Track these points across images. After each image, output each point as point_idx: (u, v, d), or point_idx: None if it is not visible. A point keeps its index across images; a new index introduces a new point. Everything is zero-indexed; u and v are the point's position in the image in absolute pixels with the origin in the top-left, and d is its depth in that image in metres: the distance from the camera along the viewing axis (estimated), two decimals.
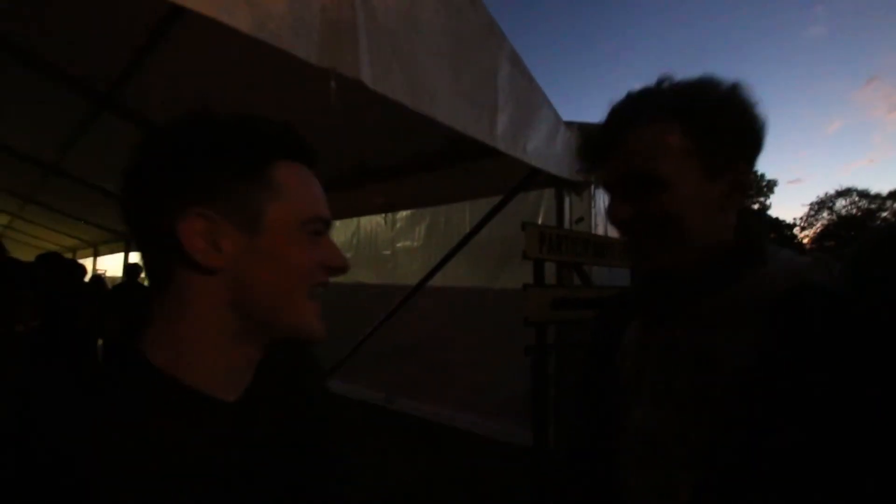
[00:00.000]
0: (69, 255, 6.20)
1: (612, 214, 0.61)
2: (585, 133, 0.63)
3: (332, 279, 0.51)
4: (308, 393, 0.60)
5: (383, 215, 4.22)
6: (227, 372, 0.48)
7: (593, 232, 3.00)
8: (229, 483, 0.45)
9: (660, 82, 0.59)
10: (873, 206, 33.02)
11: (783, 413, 0.48)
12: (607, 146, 0.59)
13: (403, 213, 4.11)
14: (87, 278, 4.06)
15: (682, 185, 0.55)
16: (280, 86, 1.79)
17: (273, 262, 0.46)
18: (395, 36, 1.09)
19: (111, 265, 7.42)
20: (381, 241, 4.34)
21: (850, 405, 0.46)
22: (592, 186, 3.06)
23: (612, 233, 3.38)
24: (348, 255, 4.57)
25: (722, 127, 0.55)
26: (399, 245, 4.17)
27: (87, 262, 5.79)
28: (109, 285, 5.23)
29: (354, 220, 4.53)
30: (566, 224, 2.14)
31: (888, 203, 32.67)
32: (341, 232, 4.71)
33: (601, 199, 3.34)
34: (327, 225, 0.51)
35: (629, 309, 0.72)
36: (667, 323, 0.62)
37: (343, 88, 0.97)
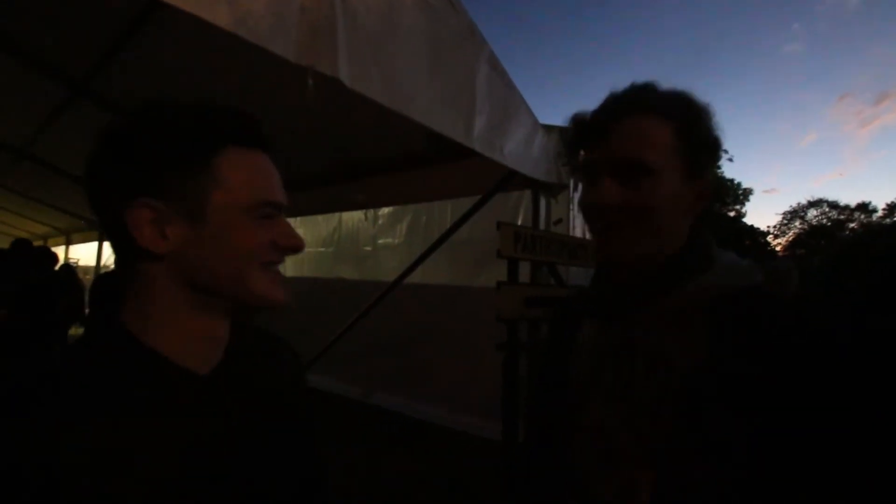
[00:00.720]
0: (40, 243, 6.01)
1: (596, 197, 0.60)
2: (577, 118, 0.65)
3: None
4: (283, 382, 0.63)
5: (365, 212, 4.22)
6: (195, 343, 0.52)
7: (571, 234, 3.07)
8: (197, 449, 0.48)
9: (656, 83, 0.63)
10: (842, 216, 34.32)
11: (731, 408, 0.51)
12: (607, 126, 0.61)
13: (385, 211, 4.11)
14: (56, 266, 3.96)
15: (667, 180, 0.58)
16: (259, 82, 1.80)
17: (218, 247, 0.49)
18: (374, 37, 1.12)
19: (84, 254, 7.23)
20: (363, 237, 4.34)
21: (786, 396, 0.49)
22: (571, 189, 3.14)
23: (589, 235, 3.44)
24: (329, 250, 4.59)
25: (704, 136, 0.60)
26: (380, 242, 4.18)
27: (60, 251, 5.63)
28: (81, 275, 5.09)
29: (336, 215, 4.51)
30: (542, 225, 2.20)
31: (856, 215, 33.99)
32: (322, 227, 4.69)
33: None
34: (279, 208, 0.53)
35: (584, 307, 0.74)
36: (622, 323, 0.64)
37: (323, 88, 1.00)
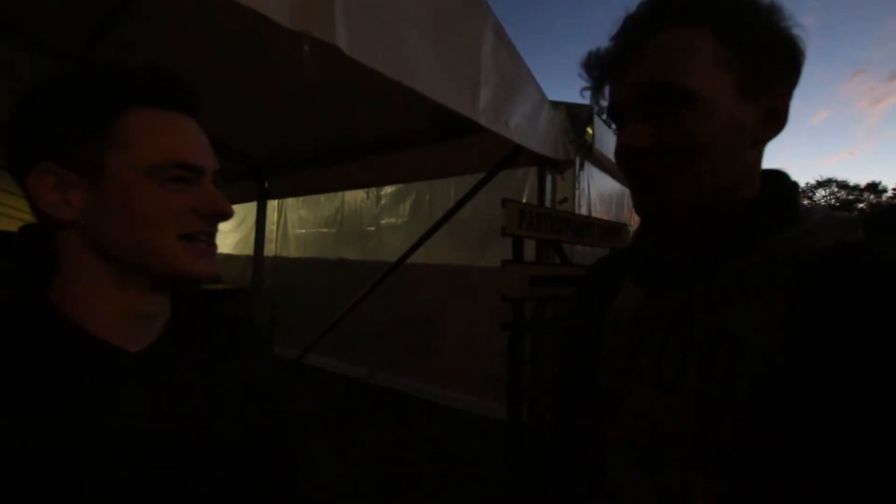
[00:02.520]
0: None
1: (623, 140, 0.48)
2: (591, 53, 0.52)
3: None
4: (243, 363, 0.60)
5: (367, 191, 4.18)
6: (123, 319, 0.49)
7: (577, 212, 3.02)
8: (123, 427, 0.46)
9: None
10: (851, 197, 33.87)
11: (829, 403, 0.39)
12: (624, 53, 0.49)
13: (388, 190, 4.07)
14: None
15: (713, 102, 0.45)
16: (258, 58, 1.74)
17: (121, 212, 0.47)
18: (374, 3, 1.06)
19: None
20: (366, 217, 4.31)
21: None
22: (576, 167, 3.08)
23: (595, 213, 3.42)
24: (332, 230, 4.56)
25: (762, 37, 0.46)
26: (383, 222, 4.15)
27: None
28: None
29: (339, 195, 4.48)
30: (548, 203, 2.15)
31: (865, 195, 33.52)
32: (325, 207, 4.66)
33: (586, 180, 3.36)
34: (196, 171, 0.49)
35: (625, 270, 0.60)
36: (674, 293, 0.52)
37: (323, 62, 0.95)
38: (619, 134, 0.50)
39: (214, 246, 0.53)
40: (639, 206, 0.51)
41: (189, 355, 0.54)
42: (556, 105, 2.11)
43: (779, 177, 0.52)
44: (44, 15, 1.93)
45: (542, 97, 1.87)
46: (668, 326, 0.51)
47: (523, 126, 1.73)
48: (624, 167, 0.51)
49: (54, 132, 0.47)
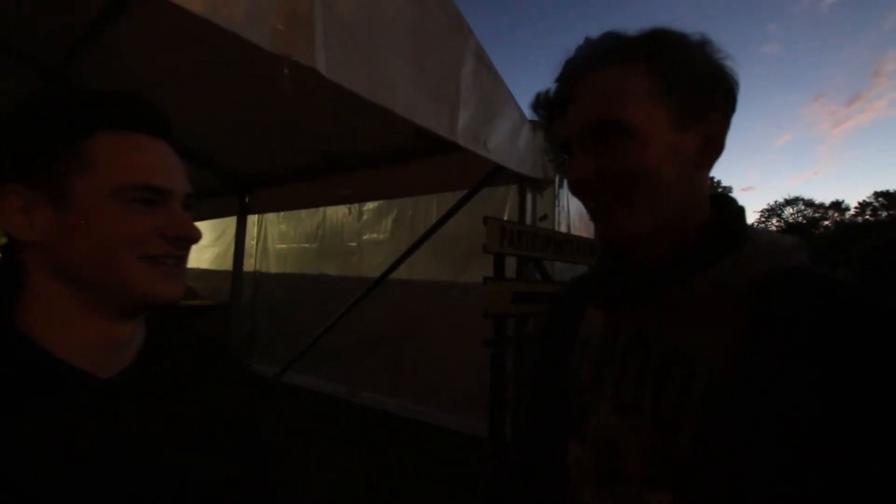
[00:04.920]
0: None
1: (571, 175, 0.52)
2: (538, 95, 0.56)
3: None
4: (212, 393, 0.59)
5: (349, 207, 4.18)
6: (91, 345, 0.48)
7: (557, 229, 3.08)
8: (91, 457, 0.45)
9: (621, 30, 0.52)
10: (817, 214, 35.42)
11: (774, 420, 0.41)
12: (564, 94, 0.52)
13: (370, 206, 4.07)
14: None
15: (649, 133, 0.48)
16: (239, 73, 1.75)
17: (84, 234, 0.46)
18: (354, 26, 1.09)
19: None
20: (347, 232, 4.29)
21: (858, 405, 0.38)
22: (556, 185, 3.14)
23: (575, 230, 3.49)
24: (313, 245, 4.52)
25: (692, 69, 0.49)
26: (365, 237, 4.13)
27: None
28: None
29: (320, 211, 4.45)
30: (528, 220, 2.20)
31: (830, 213, 35.06)
32: (306, 223, 4.62)
33: (566, 198, 3.43)
34: (162, 193, 0.49)
35: (588, 295, 0.63)
36: (632, 315, 0.54)
37: (304, 80, 0.97)
38: (568, 167, 0.53)
39: (182, 267, 0.52)
40: (596, 232, 0.54)
41: (160, 381, 0.53)
42: (536, 125, 2.17)
43: (726, 201, 0.55)
44: (25, 25, 1.90)
45: (522, 117, 1.93)
46: (626, 348, 0.53)
47: (503, 146, 1.77)
48: (579, 198, 0.54)
49: (21, 154, 0.47)
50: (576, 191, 0.53)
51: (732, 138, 0.54)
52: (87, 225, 0.46)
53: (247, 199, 3.29)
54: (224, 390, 0.61)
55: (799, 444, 0.39)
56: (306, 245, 4.63)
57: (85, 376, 0.47)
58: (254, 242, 4.96)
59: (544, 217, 2.98)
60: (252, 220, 4.29)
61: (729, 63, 0.50)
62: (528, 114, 2.00)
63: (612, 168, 0.49)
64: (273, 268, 4.90)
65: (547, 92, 0.55)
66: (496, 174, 2.07)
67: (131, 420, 0.49)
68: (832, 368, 0.40)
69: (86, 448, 0.45)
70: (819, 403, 0.39)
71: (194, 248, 0.54)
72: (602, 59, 0.50)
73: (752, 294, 0.46)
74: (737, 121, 0.53)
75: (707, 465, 0.43)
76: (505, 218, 2.98)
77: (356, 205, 4.10)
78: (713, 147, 0.51)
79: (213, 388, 0.59)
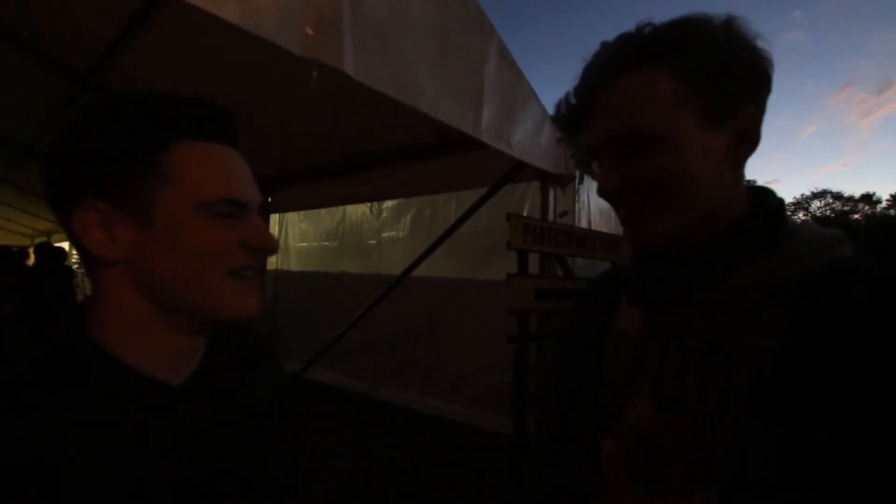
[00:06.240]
0: (43, 239, 6.05)
1: (600, 185, 0.52)
2: (560, 104, 0.54)
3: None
4: (262, 391, 0.60)
5: (369, 205, 4.21)
6: (167, 356, 0.48)
7: (577, 225, 3.05)
8: (169, 461, 0.46)
9: (640, 28, 0.50)
10: (846, 208, 34.16)
11: (820, 415, 0.40)
12: (586, 106, 0.51)
13: (390, 204, 4.10)
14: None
15: (678, 140, 0.47)
16: (264, 75, 1.78)
17: (171, 250, 0.45)
18: (380, 27, 1.10)
19: None
20: (367, 230, 4.33)
21: None
22: (577, 181, 3.11)
23: (595, 226, 3.45)
24: (333, 244, 4.58)
25: (718, 66, 0.47)
26: (385, 235, 4.17)
27: (66, 246, 5.65)
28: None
29: (340, 209, 4.51)
30: (550, 217, 2.19)
31: (860, 206, 33.79)
32: (326, 221, 4.68)
33: (586, 194, 3.39)
34: (243, 206, 0.48)
35: (621, 291, 0.62)
36: (670, 310, 0.53)
37: (330, 80, 0.98)
38: (598, 177, 0.53)
39: (259, 279, 0.51)
40: (627, 236, 0.53)
41: (223, 381, 0.54)
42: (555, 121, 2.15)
43: (765, 194, 0.53)
44: (57, 32, 1.97)
45: (545, 113, 1.92)
46: (665, 344, 0.53)
47: (526, 142, 1.77)
48: (609, 203, 0.53)
49: (99, 167, 0.45)
50: (606, 198, 0.53)
51: None
52: (174, 241, 0.45)
53: (269, 199, 3.35)
54: (272, 386, 0.63)
55: (845, 444, 0.38)
56: (326, 243, 4.70)
57: (160, 385, 0.47)
58: None
59: (564, 213, 2.96)
60: (273, 218, 4.37)
61: (760, 43, 0.47)
62: (550, 109, 1.99)
63: (642, 176, 0.48)
64: (294, 266, 4.98)
65: (567, 101, 0.53)
66: (518, 170, 2.06)
67: (204, 422, 0.50)
68: (882, 366, 0.38)
69: (167, 451, 0.46)
70: (867, 402, 0.38)
71: None
72: (622, 65, 0.49)
73: (796, 289, 0.45)
74: None
75: (751, 463, 0.43)
76: (525, 214, 2.97)
77: (376, 203, 4.14)
78: (747, 142, 0.49)
79: (264, 384, 0.61)
